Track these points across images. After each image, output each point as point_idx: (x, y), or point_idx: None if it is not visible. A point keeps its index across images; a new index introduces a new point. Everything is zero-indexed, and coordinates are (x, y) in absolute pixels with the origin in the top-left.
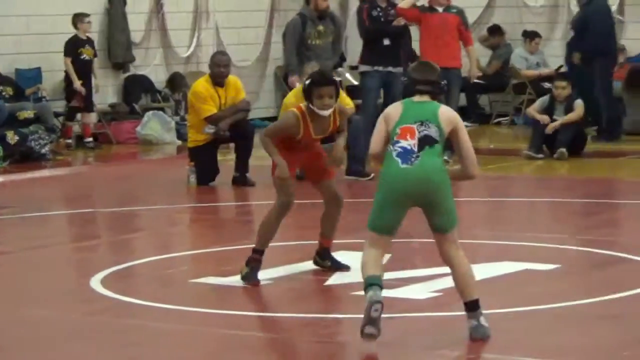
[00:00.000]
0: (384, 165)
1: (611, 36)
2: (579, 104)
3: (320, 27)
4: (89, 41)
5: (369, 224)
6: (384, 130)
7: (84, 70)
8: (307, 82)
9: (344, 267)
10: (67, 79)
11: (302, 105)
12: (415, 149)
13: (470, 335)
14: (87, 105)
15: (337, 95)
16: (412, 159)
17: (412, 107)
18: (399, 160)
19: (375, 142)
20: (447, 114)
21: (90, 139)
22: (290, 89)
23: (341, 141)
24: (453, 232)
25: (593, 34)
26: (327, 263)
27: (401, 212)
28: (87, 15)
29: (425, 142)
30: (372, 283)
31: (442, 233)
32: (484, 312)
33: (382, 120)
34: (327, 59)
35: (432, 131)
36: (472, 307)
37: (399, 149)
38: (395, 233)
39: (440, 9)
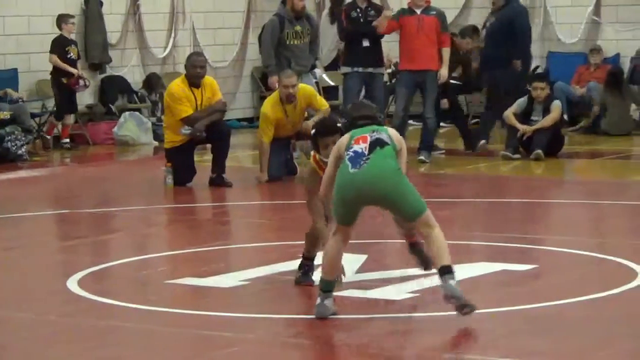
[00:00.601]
0: (339, 169)
1: (530, 40)
2: (556, 105)
3: (298, 28)
4: (74, 42)
5: (332, 213)
6: (333, 169)
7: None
8: (312, 132)
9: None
10: (55, 76)
11: (316, 155)
12: (366, 152)
13: (443, 296)
14: (71, 105)
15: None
16: (362, 162)
17: (360, 130)
18: (349, 164)
19: (325, 185)
20: (396, 133)
21: (67, 140)
22: (269, 89)
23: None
24: (422, 216)
25: (517, 38)
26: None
27: (356, 210)
28: (72, 16)
29: (376, 144)
30: (325, 290)
31: (414, 220)
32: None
33: (332, 158)
34: (305, 59)
35: (384, 136)
36: (444, 270)
37: (351, 153)
38: (353, 224)
39: (418, 11)
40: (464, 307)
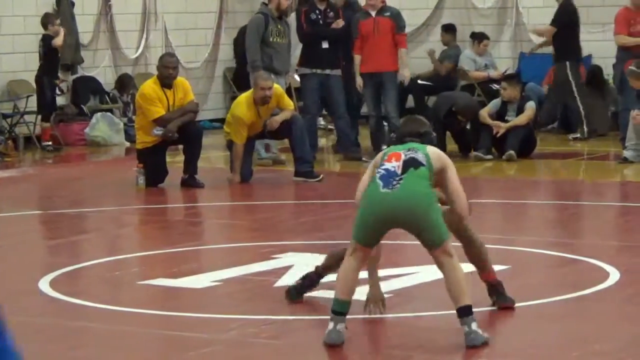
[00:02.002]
0: (368, 186)
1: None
2: (529, 106)
3: (280, 27)
4: None
5: (353, 232)
6: (368, 178)
7: (54, 66)
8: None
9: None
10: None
11: None
12: (399, 172)
13: (466, 342)
14: (54, 106)
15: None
16: (394, 183)
17: (395, 147)
18: (381, 184)
19: (359, 190)
20: (436, 152)
21: (50, 142)
22: (241, 90)
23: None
24: (443, 244)
25: None
26: (492, 298)
27: (381, 232)
28: (57, 17)
29: (410, 164)
30: (338, 312)
31: (433, 248)
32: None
33: (369, 171)
34: (286, 58)
35: (419, 155)
36: (462, 313)
37: (382, 171)
38: (374, 246)
39: (373, 13)
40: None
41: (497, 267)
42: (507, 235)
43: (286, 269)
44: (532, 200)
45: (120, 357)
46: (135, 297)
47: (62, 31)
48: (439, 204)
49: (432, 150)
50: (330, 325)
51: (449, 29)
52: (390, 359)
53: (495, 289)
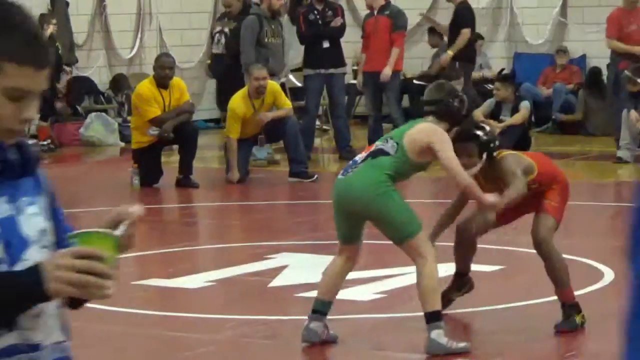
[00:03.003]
0: None
1: None
2: (524, 105)
3: (274, 27)
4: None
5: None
6: None
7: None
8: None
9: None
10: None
11: None
12: (359, 160)
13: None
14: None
15: None
16: (349, 170)
17: (398, 129)
18: (342, 171)
19: None
20: (415, 134)
21: (48, 142)
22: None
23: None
24: (409, 242)
25: None
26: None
27: (348, 222)
28: (52, 17)
29: (372, 154)
30: (317, 310)
31: (397, 244)
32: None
33: None
34: (281, 57)
35: (388, 146)
36: (426, 319)
37: (349, 162)
38: (355, 243)
39: (375, 12)
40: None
41: (491, 267)
42: (501, 236)
43: (280, 269)
44: None
45: (114, 357)
46: (129, 298)
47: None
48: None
49: (413, 131)
50: (305, 322)
51: (434, 32)
52: (385, 359)
53: (564, 310)
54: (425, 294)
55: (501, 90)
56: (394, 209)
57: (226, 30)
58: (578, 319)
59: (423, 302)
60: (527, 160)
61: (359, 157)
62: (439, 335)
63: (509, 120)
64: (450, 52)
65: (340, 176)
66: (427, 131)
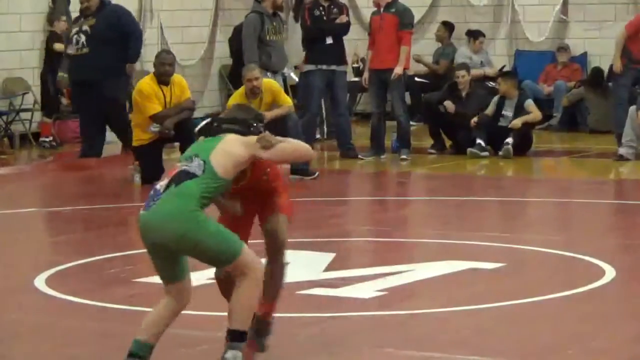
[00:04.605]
0: None
1: None
2: (530, 104)
3: (275, 24)
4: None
5: None
6: None
7: (57, 64)
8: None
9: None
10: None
11: None
12: (161, 190)
13: None
14: (55, 102)
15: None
16: (151, 204)
17: (197, 144)
18: (144, 205)
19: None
20: (225, 147)
21: (50, 138)
22: (237, 87)
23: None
24: (235, 262)
25: None
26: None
27: (163, 259)
28: (62, 14)
29: (175, 180)
30: (133, 354)
31: (225, 269)
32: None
33: None
34: (283, 55)
35: (194, 165)
36: (230, 336)
37: (151, 192)
38: (179, 280)
39: (381, 9)
40: None
41: (493, 265)
42: (502, 233)
43: None
44: (528, 198)
45: (115, 355)
46: (130, 295)
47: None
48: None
49: (221, 146)
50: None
51: (448, 26)
52: (386, 356)
53: (260, 326)
54: (239, 312)
55: (503, 86)
56: (208, 237)
57: (85, 28)
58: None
59: (233, 319)
60: None
61: (159, 186)
62: (234, 357)
63: (527, 117)
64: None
65: (142, 211)
66: (236, 146)
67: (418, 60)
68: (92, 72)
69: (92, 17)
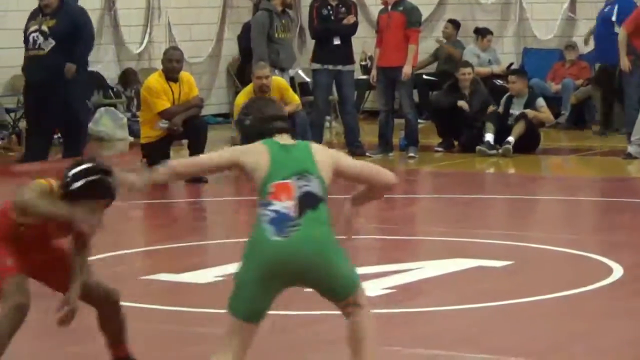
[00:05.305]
0: (252, 234)
1: None
2: (542, 104)
3: (284, 21)
4: None
5: (230, 306)
6: (227, 158)
7: None
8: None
9: None
10: None
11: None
12: (294, 215)
13: None
14: None
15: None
16: (288, 229)
17: (281, 153)
18: (271, 230)
19: (205, 160)
20: (322, 155)
21: (58, 135)
22: (244, 85)
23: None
24: (356, 291)
25: None
26: None
27: (272, 294)
28: None
29: (307, 203)
30: None
31: (344, 299)
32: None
33: (237, 152)
34: (292, 52)
35: (314, 185)
36: None
37: (271, 214)
38: (260, 320)
39: (389, 8)
40: None
41: (501, 263)
42: (510, 231)
43: None
44: (535, 196)
45: None
46: (137, 292)
47: None
48: None
49: (318, 155)
50: None
51: (454, 24)
52: (394, 354)
53: None
54: (371, 347)
55: (517, 83)
56: (343, 262)
57: (44, 28)
58: None
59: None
60: None
61: (284, 208)
62: None
63: (538, 114)
64: None
65: (275, 237)
66: (327, 151)
67: (440, 42)
68: (48, 74)
69: (51, 18)
